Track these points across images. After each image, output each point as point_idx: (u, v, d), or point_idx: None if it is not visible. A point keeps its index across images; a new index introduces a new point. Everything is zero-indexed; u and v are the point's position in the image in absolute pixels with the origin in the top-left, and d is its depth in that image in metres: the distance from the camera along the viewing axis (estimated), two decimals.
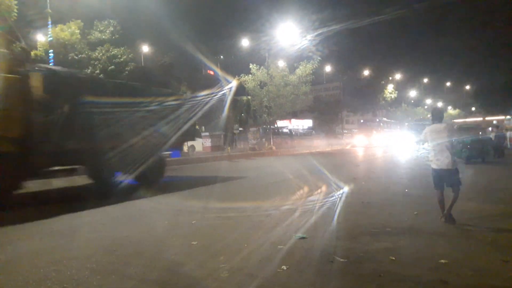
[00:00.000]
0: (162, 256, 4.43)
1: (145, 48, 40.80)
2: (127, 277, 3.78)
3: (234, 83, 30.91)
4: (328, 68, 56.04)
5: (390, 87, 59.30)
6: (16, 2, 14.27)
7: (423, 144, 5.91)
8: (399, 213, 6.48)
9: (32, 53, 20.49)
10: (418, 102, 72.63)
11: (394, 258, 4.12)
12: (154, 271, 3.94)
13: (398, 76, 63.36)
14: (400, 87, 62.96)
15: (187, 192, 9.56)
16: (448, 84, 79.56)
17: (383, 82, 59.50)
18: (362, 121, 51.42)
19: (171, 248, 4.73)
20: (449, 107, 77.72)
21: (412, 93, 69.43)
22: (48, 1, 15.88)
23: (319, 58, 30.66)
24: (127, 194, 8.68)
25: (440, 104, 78.60)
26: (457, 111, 74.36)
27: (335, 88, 59.78)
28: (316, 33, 30.23)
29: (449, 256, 4.13)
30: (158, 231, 5.65)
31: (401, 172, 13.64)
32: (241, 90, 33.98)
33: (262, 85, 30.98)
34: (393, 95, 58.09)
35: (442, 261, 4.01)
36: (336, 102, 54.02)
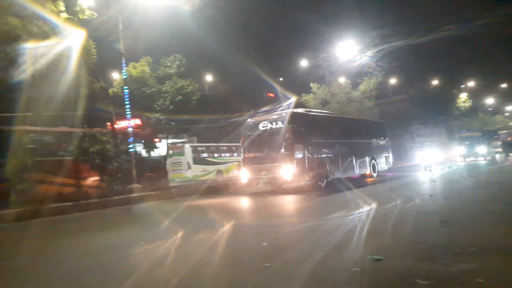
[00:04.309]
0: (237, 278, 4.53)
1: (209, 77, 42.73)
2: None
3: (293, 99, 31.08)
4: (393, 81, 54.16)
5: (463, 96, 55.65)
6: (94, 45, 15.80)
7: None
8: (484, 231, 5.99)
9: (110, 91, 22.45)
10: (496, 110, 66.95)
11: (482, 281, 3.81)
12: None
13: (471, 84, 59.18)
14: (475, 95, 58.68)
15: (252, 214, 9.70)
16: None
17: (454, 91, 56.07)
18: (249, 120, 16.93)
19: (245, 270, 4.83)
20: None
21: (490, 101, 64.23)
22: (121, 42, 17.40)
23: (383, 72, 29.94)
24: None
25: None
26: None
27: (402, 101, 57.39)
28: (377, 49, 29.59)
29: None
30: (231, 253, 5.79)
31: (483, 188, 12.62)
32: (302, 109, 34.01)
33: (323, 103, 30.82)
34: (467, 104, 54.38)
35: None
36: (404, 115, 51.83)
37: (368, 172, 18.63)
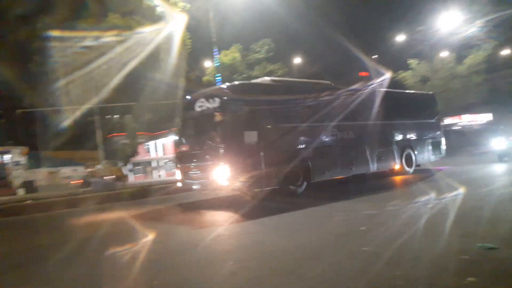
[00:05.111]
0: (334, 260, 4.49)
1: (297, 60, 42.35)
2: (305, 278, 3.97)
3: (387, 75, 29.10)
4: (505, 52, 47.69)
5: None
6: (189, 36, 16.69)
7: None
8: None
9: (205, 78, 23.63)
10: None
11: None
12: (326, 274, 4.04)
13: None
14: None
15: (353, 198, 9.48)
16: None
17: None
18: (187, 97, 11.71)
19: (343, 254, 4.75)
20: None
21: None
22: (213, 31, 18.11)
23: (495, 42, 26.48)
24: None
25: None
26: None
27: None
28: (488, 18, 25.80)
29: None
30: (328, 237, 5.75)
31: None
32: (399, 88, 31.85)
33: (424, 80, 28.57)
34: None
35: None
36: None
37: (398, 166, 13.33)
